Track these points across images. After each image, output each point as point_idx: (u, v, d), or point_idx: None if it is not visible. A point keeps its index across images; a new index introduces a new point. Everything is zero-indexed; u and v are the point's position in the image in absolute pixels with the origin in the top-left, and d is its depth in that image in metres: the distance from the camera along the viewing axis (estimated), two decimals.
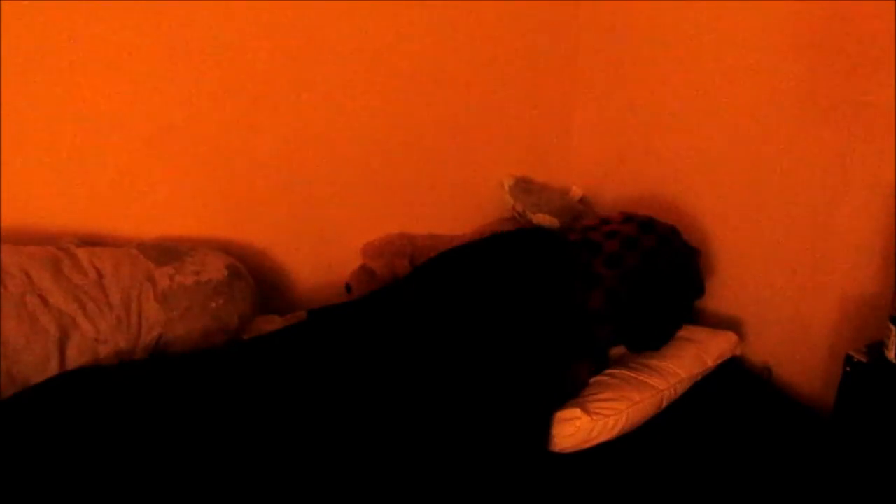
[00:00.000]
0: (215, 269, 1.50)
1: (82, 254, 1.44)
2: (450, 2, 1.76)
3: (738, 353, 1.55)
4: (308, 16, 1.63)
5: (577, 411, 1.29)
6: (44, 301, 1.34)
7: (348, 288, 1.78)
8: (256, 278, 1.62)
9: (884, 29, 1.22)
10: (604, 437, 1.31)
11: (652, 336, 1.45)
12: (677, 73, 1.69)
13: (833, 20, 1.31)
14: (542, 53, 1.93)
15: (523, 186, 1.96)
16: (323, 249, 1.84)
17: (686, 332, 1.52)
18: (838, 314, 1.41)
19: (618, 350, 1.51)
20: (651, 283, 1.39)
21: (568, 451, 1.30)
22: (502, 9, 1.82)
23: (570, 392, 1.36)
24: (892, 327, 1.13)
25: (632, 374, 1.41)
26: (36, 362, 1.30)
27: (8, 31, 1.40)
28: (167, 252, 1.51)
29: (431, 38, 1.79)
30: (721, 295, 1.64)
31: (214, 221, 1.70)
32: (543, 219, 1.88)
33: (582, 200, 2.04)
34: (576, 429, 1.28)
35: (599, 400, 1.33)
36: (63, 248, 1.44)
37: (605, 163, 2.01)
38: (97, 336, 1.36)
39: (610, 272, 1.36)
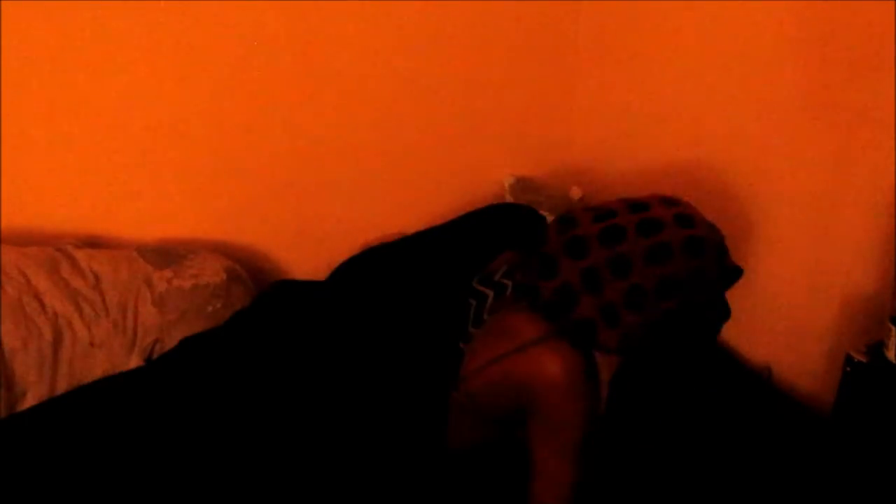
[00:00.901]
0: (213, 272, 1.50)
1: (81, 256, 1.44)
2: (449, 2, 1.76)
3: None
4: (307, 15, 1.63)
5: None
6: (40, 303, 1.34)
7: None
8: (256, 279, 1.62)
9: (884, 29, 1.22)
10: None
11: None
12: (677, 73, 1.69)
13: (833, 20, 1.31)
14: (542, 53, 1.93)
15: (523, 186, 1.96)
16: (323, 250, 1.83)
17: None
18: (838, 314, 1.41)
19: None
20: (667, 334, 1.24)
21: None
22: (502, 8, 1.82)
23: None
24: (892, 327, 1.13)
25: None
26: (31, 365, 1.30)
27: (8, 31, 1.40)
28: (166, 255, 1.51)
29: (431, 38, 1.79)
30: None
31: (214, 223, 1.70)
32: None
33: (582, 200, 2.04)
34: None
35: None
36: (62, 250, 1.44)
37: (605, 162, 2.01)
38: (92, 340, 1.36)
39: (634, 317, 1.17)
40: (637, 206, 1.16)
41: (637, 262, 1.09)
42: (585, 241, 1.12)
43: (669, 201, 1.18)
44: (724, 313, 1.23)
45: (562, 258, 1.12)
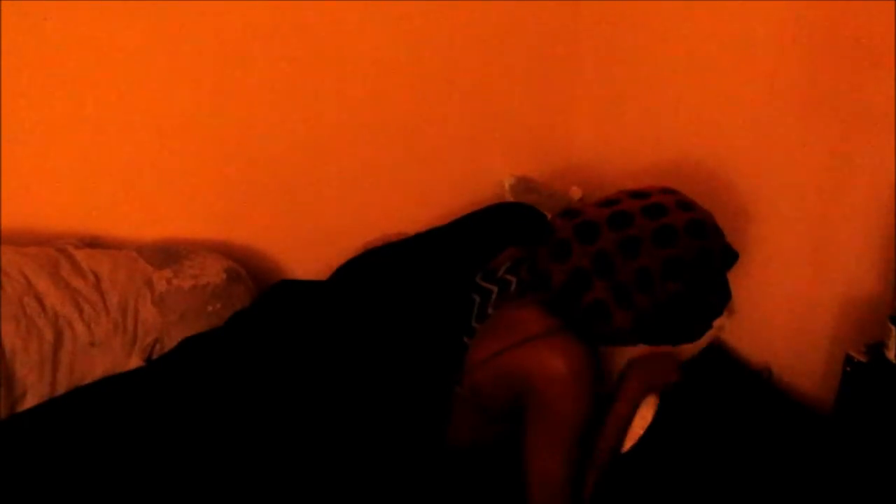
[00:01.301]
0: (214, 272, 1.50)
1: (81, 256, 1.44)
2: (449, 2, 1.76)
3: (726, 325, 1.56)
4: (307, 15, 1.63)
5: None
6: (41, 303, 1.34)
7: None
8: (256, 279, 1.62)
9: (884, 29, 1.22)
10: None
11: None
12: (677, 73, 1.69)
13: (833, 20, 1.31)
14: (542, 52, 1.93)
15: (524, 186, 1.96)
16: (323, 250, 1.83)
17: None
18: (838, 314, 1.41)
19: None
20: (675, 316, 1.22)
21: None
22: (502, 8, 1.82)
23: None
24: (892, 327, 1.13)
25: None
26: (31, 365, 1.30)
27: (8, 31, 1.40)
28: (166, 255, 1.51)
29: (431, 39, 1.78)
30: None
31: (214, 223, 1.70)
32: None
33: (582, 200, 2.04)
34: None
35: None
36: (62, 250, 1.44)
37: (604, 162, 2.01)
38: (92, 340, 1.36)
39: (644, 298, 1.16)
40: (638, 194, 1.19)
41: (646, 244, 1.12)
42: (596, 225, 1.14)
43: (666, 190, 1.21)
44: (726, 295, 1.25)
45: (573, 242, 1.14)
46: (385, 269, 1.36)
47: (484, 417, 1.20)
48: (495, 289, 1.23)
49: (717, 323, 1.31)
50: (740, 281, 1.63)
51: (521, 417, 1.14)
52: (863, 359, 1.18)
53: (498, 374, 1.15)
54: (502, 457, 1.20)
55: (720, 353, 1.61)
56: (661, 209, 1.15)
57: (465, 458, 1.24)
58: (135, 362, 1.38)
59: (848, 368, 1.20)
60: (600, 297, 1.12)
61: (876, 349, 1.17)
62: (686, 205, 1.18)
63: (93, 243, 1.55)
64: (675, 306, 1.15)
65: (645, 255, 1.12)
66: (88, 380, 1.33)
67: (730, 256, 1.22)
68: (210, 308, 1.45)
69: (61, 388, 1.32)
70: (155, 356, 1.41)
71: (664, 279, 1.12)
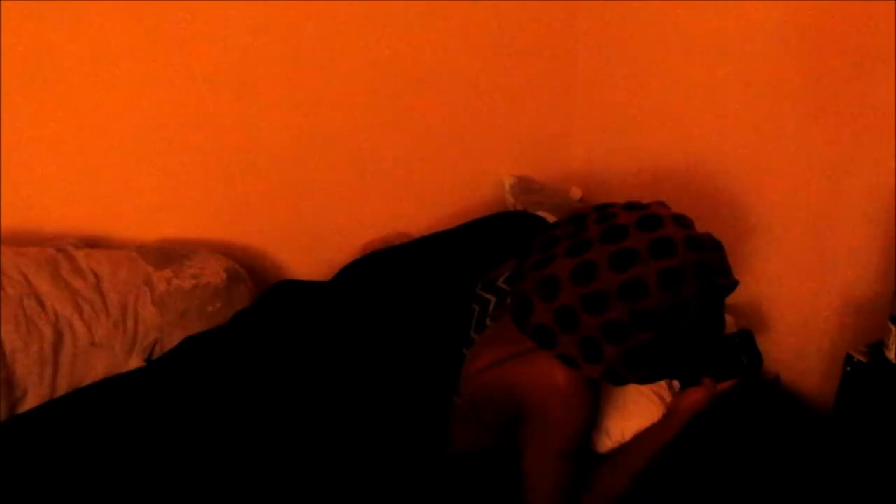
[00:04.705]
0: (214, 272, 1.50)
1: (81, 256, 1.44)
2: (448, 3, 1.76)
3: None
4: (307, 15, 1.63)
5: None
6: (41, 304, 1.34)
7: None
8: (256, 279, 1.62)
9: (884, 29, 1.23)
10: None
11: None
12: (677, 73, 1.69)
13: (833, 20, 1.32)
14: (542, 54, 1.93)
15: (524, 186, 1.96)
16: (323, 250, 1.84)
17: None
18: (838, 314, 1.41)
19: None
20: (653, 361, 1.17)
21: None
22: (501, 8, 1.82)
23: None
24: (892, 327, 1.13)
25: None
26: (31, 365, 1.30)
27: (8, 31, 1.40)
28: (166, 255, 1.51)
29: (431, 40, 1.78)
30: None
31: (215, 223, 1.70)
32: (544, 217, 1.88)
33: (582, 200, 2.04)
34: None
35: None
36: (62, 250, 1.44)
37: (604, 163, 2.01)
38: (93, 340, 1.36)
39: (615, 349, 1.10)
40: (613, 233, 1.09)
41: (612, 299, 1.05)
42: (556, 280, 1.08)
43: (648, 222, 1.09)
44: (716, 326, 1.17)
45: (534, 299, 1.10)
46: (387, 275, 1.36)
47: (482, 427, 1.20)
48: (493, 299, 1.22)
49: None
50: (741, 282, 1.63)
51: (517, 427, 1.14)
52: (863, 359, 1.19)
53: (495, 386, 1.14)
54: (501, 463, 1.20)
55: None
56: (631, 256, 1.05)
57: (465, 464, 1.24)
58: (135, 362, 1.38)
59: (848, 368, 1.20)
60: (567, 353, 1.09)
61: (876, 349, 1.18)
62: (663, 247, 1.05)
63: (93, 243, 1.55)
64: (652, 352, 1.09)
65: (612, 309, 1.05)
66: (89, 380, 1.33)
67: (722, 291, 1.13)
68: (210, 308, 1.45)
69: (61, 389, 1.32)
70: (155, 356, 1.41)
71: (634, 330, 1.06)
